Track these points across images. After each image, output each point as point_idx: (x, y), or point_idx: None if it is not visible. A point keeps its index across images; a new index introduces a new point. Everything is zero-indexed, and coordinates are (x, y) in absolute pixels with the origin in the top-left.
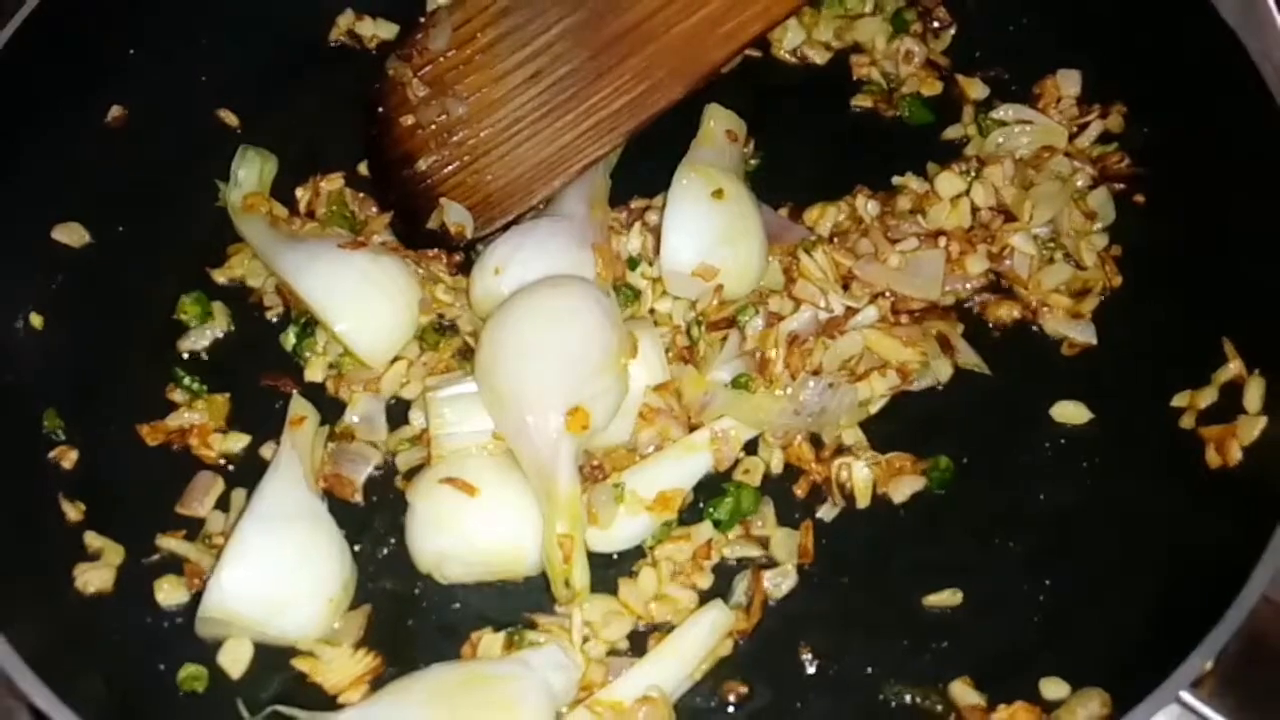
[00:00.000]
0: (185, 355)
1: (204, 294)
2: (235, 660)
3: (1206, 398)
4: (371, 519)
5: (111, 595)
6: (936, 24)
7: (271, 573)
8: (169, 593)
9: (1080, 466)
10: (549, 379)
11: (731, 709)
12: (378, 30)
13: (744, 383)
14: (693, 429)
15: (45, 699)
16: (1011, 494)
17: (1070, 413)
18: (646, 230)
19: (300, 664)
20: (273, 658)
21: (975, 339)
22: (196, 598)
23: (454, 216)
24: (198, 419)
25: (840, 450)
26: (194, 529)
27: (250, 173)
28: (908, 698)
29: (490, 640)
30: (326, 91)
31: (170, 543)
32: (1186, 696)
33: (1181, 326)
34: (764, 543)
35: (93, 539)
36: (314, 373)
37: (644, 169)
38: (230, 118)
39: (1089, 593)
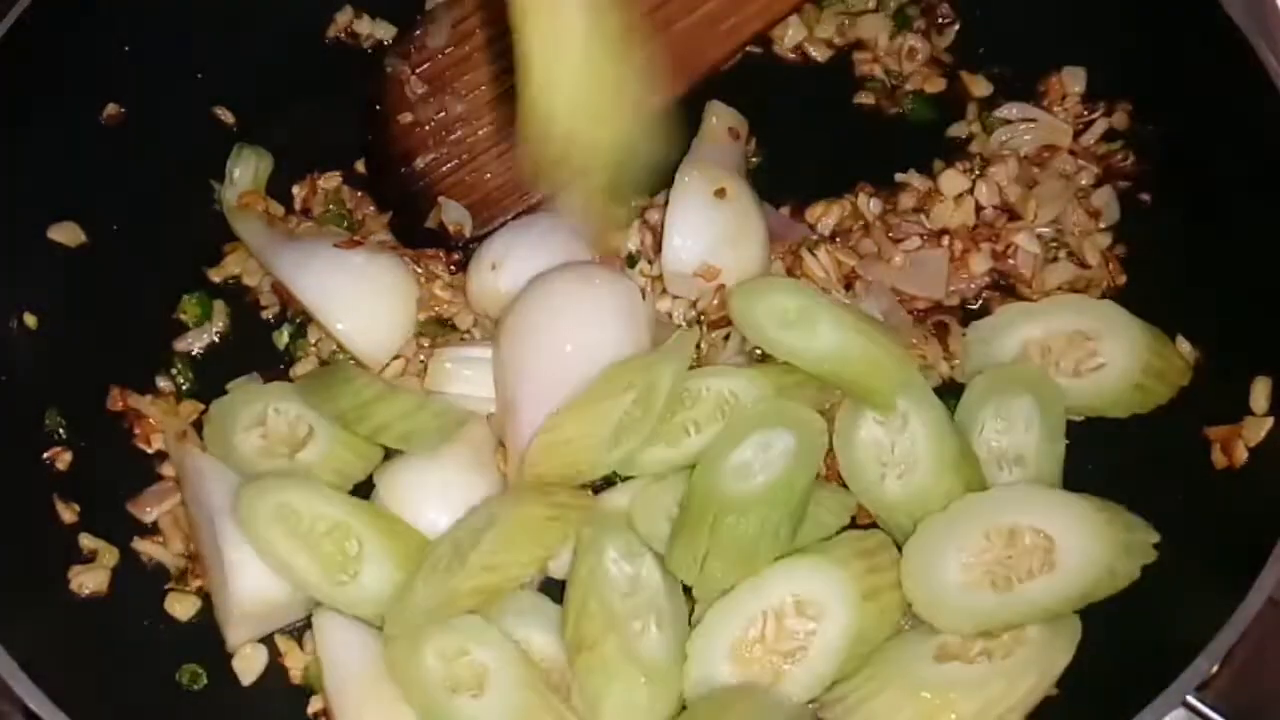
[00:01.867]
0: (182, 355)
1: (205, 294)
2: (249, 667)
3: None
4: None
5: (107, 597)
6: (940, 20)
7: None
8: (182, 607)
9: (1085, 467)
10: (552, 375)
11: None
12: (375, 30)
13: None
14: None
15: (39, 703)
16: None
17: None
18: (646, 228)
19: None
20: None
21: None
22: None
23: (452, 215)
24: (156, 414)
25: None
26: None
27: (246, 171)
28: None
29: None
30: (325, 89)
31: (145, 546)
32: (1193, 700)
33: (1185, 327)
34: None
35: (87, 540)
36: (304, 369)
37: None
38: (227, 116)
39: None
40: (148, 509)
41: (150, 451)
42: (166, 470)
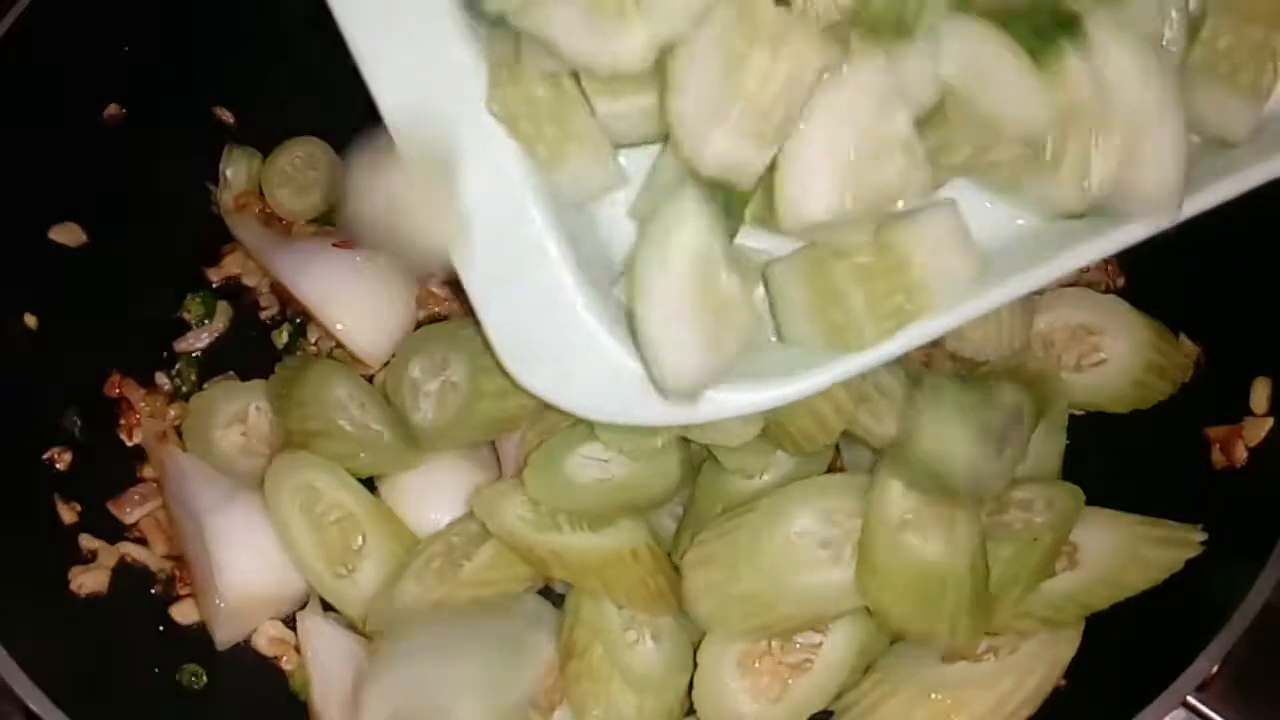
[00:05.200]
0: (183, 355)
1: (209, 294)
2: (272, 639)
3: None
4: None
5: (107, 597)
6: None
7: (260, 550)
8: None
9: (1085, 467)
10: None
11: None
12: None
13: None
14: None
15: (39, 703)
16: None
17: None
18: None
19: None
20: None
21: None
22: None
23: None
24: (142, 408)
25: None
26: None
27: (238, 172)
28: None
29: None
30: (324, 89)
31: (131, 549)
32: (1193, 700)
33: (1185, 327)
34: None
35: (87, 541)
36: None
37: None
38: (226, 116)
39: None
40: (128, 510)
41: (129, 445)
42: (146, 473)
